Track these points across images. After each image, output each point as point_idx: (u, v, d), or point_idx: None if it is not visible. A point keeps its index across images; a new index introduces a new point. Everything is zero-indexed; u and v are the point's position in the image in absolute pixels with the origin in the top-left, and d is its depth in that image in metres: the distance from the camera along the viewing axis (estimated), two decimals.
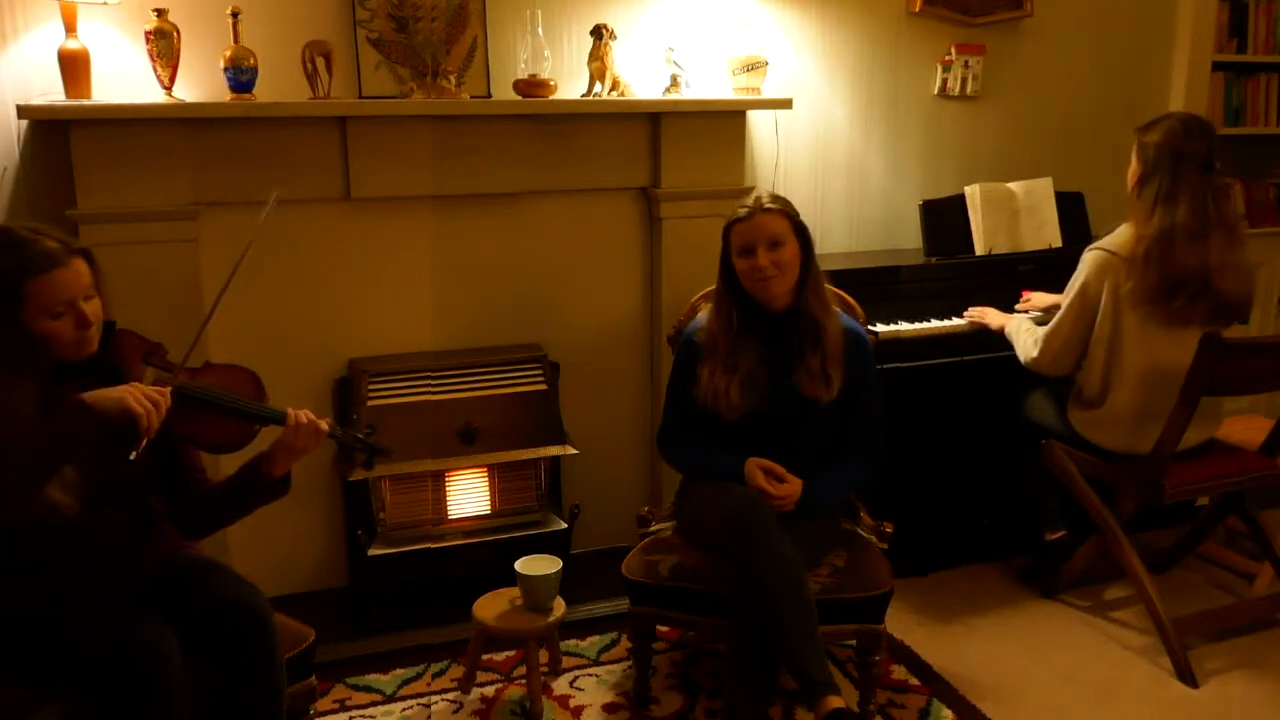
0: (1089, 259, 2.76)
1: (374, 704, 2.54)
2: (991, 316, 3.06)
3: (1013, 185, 3.42)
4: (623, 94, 2.98)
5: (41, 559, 1.84)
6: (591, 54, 2.96)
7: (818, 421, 2.42)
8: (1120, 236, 2.74)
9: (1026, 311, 3.16)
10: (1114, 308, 2.72)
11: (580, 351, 3.19)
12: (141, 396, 1.74)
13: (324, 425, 1.99)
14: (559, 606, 2.53)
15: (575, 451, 3.02)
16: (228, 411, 1.94)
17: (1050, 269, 3.28)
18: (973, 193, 3.36)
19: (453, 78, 2.85)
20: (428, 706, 2.53)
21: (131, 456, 1.74)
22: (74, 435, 1.72)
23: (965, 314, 3.12)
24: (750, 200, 2.40)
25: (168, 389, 1.81)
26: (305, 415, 1.98)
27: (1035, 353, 2.82)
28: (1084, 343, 2.78)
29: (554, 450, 2.99)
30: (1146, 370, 2.72)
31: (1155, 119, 2.79)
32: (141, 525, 1.99)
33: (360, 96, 2.85)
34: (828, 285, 2.47)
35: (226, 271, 2.01)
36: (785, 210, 2.38)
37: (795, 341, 2.39)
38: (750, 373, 2.38)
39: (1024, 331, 2.91)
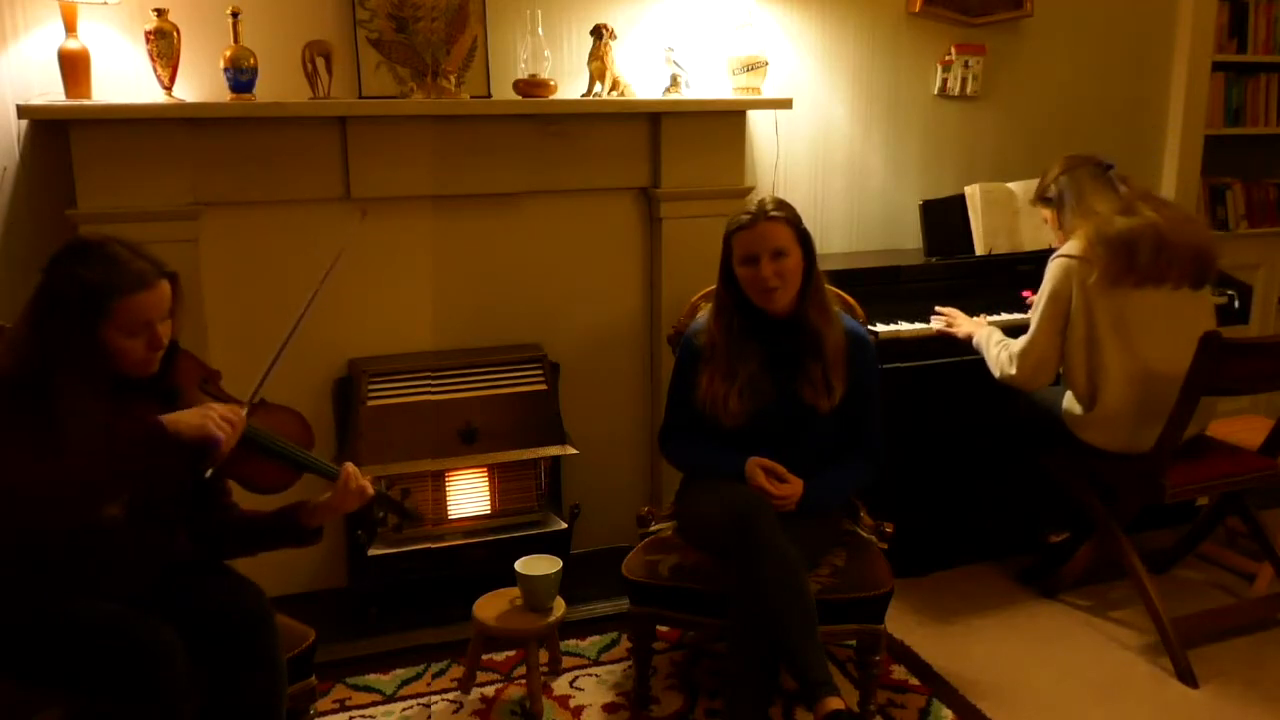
0: (1052, 267, 2.77)
1: (374, 704, 2.54)
2: (960, 323, 3.00)
3: (1013, 185, 3.41)
4: (623, 94, 2.98)
5: (57, 559, 1.84)
6: (591, 54, 2.96)
7: (819, 425, 2.41)
8: (1074, 242, 2.76)
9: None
10: (1085, 307, 2.71)
11: (580, 351, 3.19)
12: (220, 420, 1.77)
13: (371, 491, 2.00)
14: (559, 606, 2.53)
15: (575, 451, 3.01)
16: (285, 460, 1.94)
17: None
18: (973, 193, 3.36)
19: (453, 78, 2.85)
20: (428, 706, 2.53)
21: (206, 474, 1.77)
22: (151, 454, 1.75)
23: (934, 314, 3.06)
24: (753, 206, 2.38)
25: (243, 412, 1.82)
26: (355, 477, 1.98)
27: (1013, 370, 2.79)
28: (1059, 352, 2.77)
29: (554, 450, 2.99)
30: (1131, 370, 2.71)
31: (1040, 179, 2.93)
32: (166, 533, 1.99)
33: (360, 96, 2.85)
34: (828, 286, 2.47)
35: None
36: (789, 217, 2.36)
37: (796, 348, 2.38)
38: (750, 380, 2.37)
39: (994, 344, 2.87)
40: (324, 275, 2.01)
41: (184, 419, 1.76)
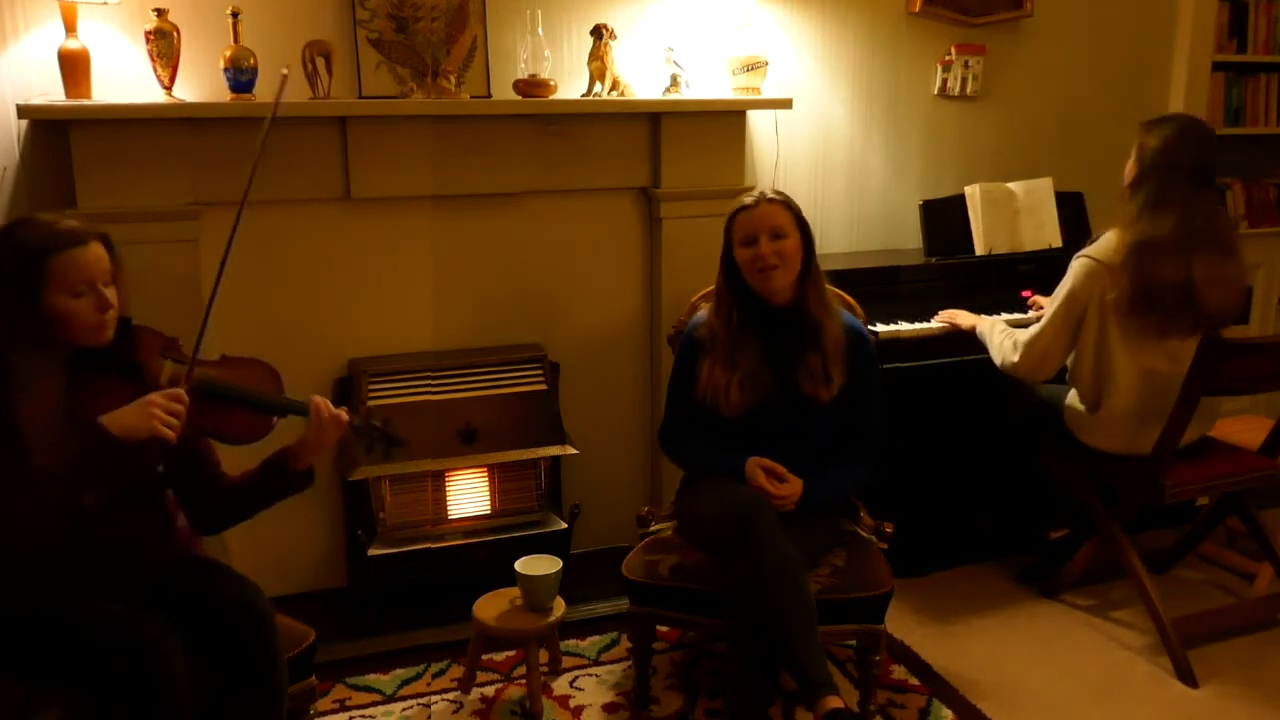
0: (1076, 266, 2.73)
1: (374, 704, 2.54)
2: (962, 317, 3.02)
3: (1013, 185, 3.41)
4: (623, 94, 2.98)
5: (50, 555, 1.84)
6: (591, 54, 2.96)
7: (819, 420, 2.42)
8: (1106, 243, 2.70)
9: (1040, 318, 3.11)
10: (1100, 316, 2.69)
11: (580, 351, 3.19)
12: (163, 414, 1.77)
13: (345, 418, 2.01)
14: (559, 606, 2.53)
15: (575, 451, 3.02)
16: (249, 405, 1.95)
17: (1050, 269, 3.28)
18: (973, 193, 3.36)
19: (453, 78, 2.85)
20: (428, 706, 2.53)
21: (160, 469, 1.78)
22: (100, 464, 1.75)
23: (935, 317, 3.07)
24: (755, 193, 2.42)
25: (184, 391, 1.82)
26: (326, 407, 1.98)
27: (1015, 358, 2.78)
28: (1066, 350, 2.76)
29: (554, 450, 2.99)
30: (1138, 376, 2.70)
31: (1162, 118, 2.75)
32: (155, 525, 1.99)
33: (360, 96, 2.85)
34: (829, 285, 2.48)
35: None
36: (788, 203, 2.40)
37: (795, 339, 2.39)
38: (750, 370, 2.38)
39: (998, 333, 2.87)
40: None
41: (127, 420, 1.76)
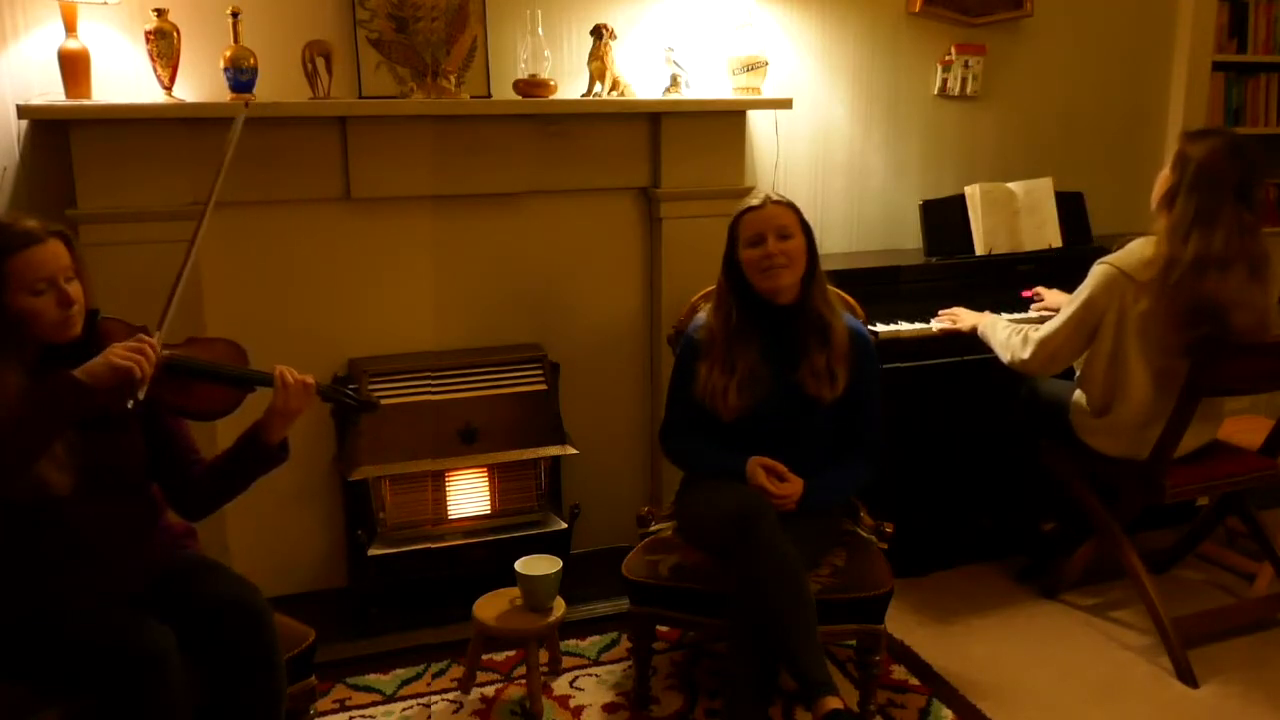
0: (1099, 273, 2.66)
1: (374, 704, 2.54)
2: (963, 318, 3.01)
3: (1013, 185, 3.41)
4: (623, 94, 2.98)
5: (41, 556, 1.84)
6: (591, 54, 2.96)
7: (819, 420, 2.42)
8: (1135, 255, 2.63)
9: (1043, 312, 3.09)
10: (1117, 328, 2.66)
11: (580, 351, 3.19)
12: (124, 351, 1.78)
13: (311, 381, 2.01)
14: (559, 606, 2.53)
15: (575, 451, 3.02)
16: (215, 378, 1.96)
17: (1050, 269, 3.28)
18: (973, 193, 3.36)
19: (453, 78, 2.85)
20: (428, 706, 2.53)
21: (129, 405, 1.77)
22: (67, 406, 1.75)
23: (935, 317, 3.07)
24: (759, 195, 2.44)
25: (152, 338, 1.84)
26: (291, 375, 1.99)
27: (1025, 354, 2.75)
28: (1077, 353, 2.75)
29: (554, 450, 2.99)
30: (1151, 387, 2.68)
31: (1206, 131, 2.68)
32: (140, 520, 1.99)
33: (360, 96, 2.85)
34: (831, 287, 2.48)
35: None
36: (793, 206, 2.43)
37: (800, 338, 2.40)
38: (749, 372, 2.38)
39: (1001, 329, 2.85)
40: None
41: (92, 365, 1.77)
